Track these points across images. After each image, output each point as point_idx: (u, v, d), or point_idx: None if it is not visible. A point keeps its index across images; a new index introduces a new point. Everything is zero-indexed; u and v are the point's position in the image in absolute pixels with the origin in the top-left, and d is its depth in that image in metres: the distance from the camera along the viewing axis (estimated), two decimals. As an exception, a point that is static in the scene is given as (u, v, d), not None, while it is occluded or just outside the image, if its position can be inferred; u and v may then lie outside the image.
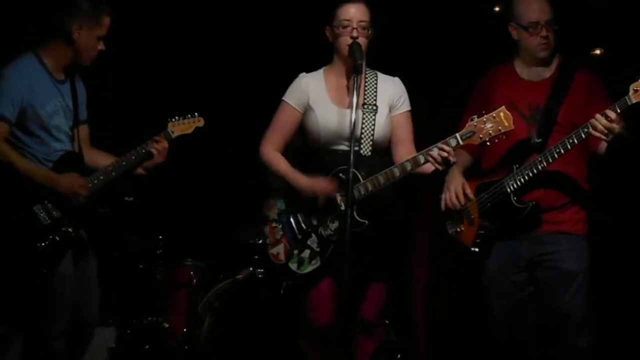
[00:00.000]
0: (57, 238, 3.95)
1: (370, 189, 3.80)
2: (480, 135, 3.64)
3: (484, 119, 3.63)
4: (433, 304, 5.56)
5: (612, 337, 4.67)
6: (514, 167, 3.87)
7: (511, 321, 3.96)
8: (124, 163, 4.12)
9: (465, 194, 3.98)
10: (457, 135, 3.67)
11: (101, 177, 4.09)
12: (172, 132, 4.22)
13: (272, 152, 4.03)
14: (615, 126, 3.59)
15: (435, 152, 3.68)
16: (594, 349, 3.87)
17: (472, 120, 3.65)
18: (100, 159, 4.21)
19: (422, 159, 3.73)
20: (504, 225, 3.91)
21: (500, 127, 3.62)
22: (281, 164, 4.01)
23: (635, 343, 4.83)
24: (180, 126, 4.25)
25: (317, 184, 3.89)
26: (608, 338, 4.49)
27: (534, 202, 3.83)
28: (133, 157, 4.14)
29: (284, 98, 4.05)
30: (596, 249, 3.93)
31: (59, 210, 3.96)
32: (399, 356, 5.25)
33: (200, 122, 4.29)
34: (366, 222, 3.80)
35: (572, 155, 3.79)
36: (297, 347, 4.11)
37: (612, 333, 4.68)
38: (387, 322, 5.10)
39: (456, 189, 3.99)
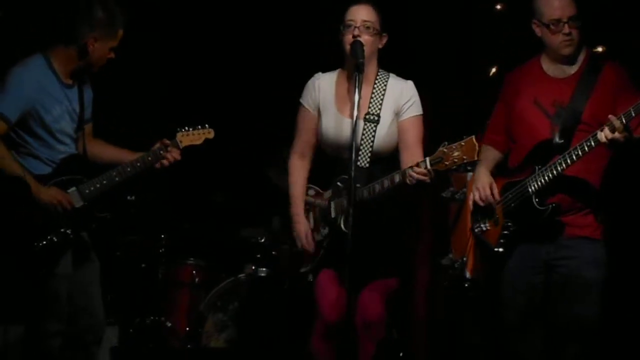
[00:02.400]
0: (55, 239, 3.94)
1: (365, 195, 3.81)
2: (446, 162, 3.63)
3: (453, 147, 3.62)
4: (434, 303, 5.55)
5: (619, 342, 4.63)
6: (536, 167, 3.80)
7: (522, 322, 3.90)
8: (128, 169, 4.10)
9: (492, 194, 3.93)
10: (427, 159, 3.67)
11: (104, 182, 4.07)
12: (181, 142, 4.20)
13: (295, 166, 4.09)
14: (619, 135, 3.51)
15: (410, 172, 3.69)
16: (601, 353, 3.84)
17: (443, 146, 3.64)
18: (99, 151, 4.20)
19: (397, 178, 3.74)
20: (525, 226, 3.85)
21: (464, 157, 3.59)
22: (294, 189, 4.07)
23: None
24: (190, 137, 4.22)
25: (303, 239, 3.98)
26: (615, 343, 4.46)
27: (554, 205, 3.76)
28: (139, 164, 4.12)
29: (300, 100, 4.08)
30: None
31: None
32: (400, 354, 5.25)
33: (211, 134, 4.26)
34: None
35: (595, 153, 3.69)
36: (300, 347, 4.14)
37: (619, 337, 4.64)
38: (389, 320, 5.10)
39: (484, 189, 3.95)
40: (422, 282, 5.53)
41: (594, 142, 3.59)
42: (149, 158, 4.13)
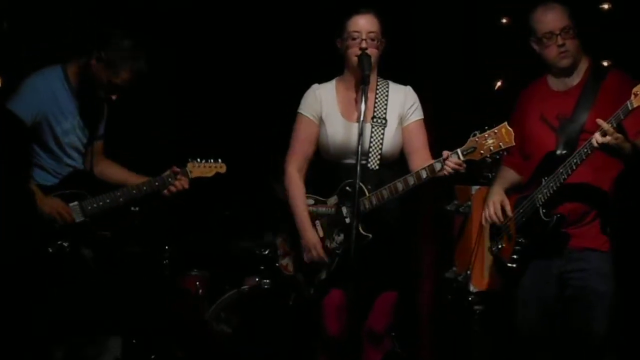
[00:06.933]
0: (50, 250, 3.95)
1: (374, 202, 3.81)
2: (481, 151, 3.64)
3: (486, 135, 3.63)
4: (438, 315, 5.54)
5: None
6: (543, 179, 3.83)
7: (535, 337, 3.92)
8: (134, 192, 4.11)
9: (504, 210, 3.95)
10: (459, 150, 3.68)
11: (107, 201, 4.07)
12: (191, 172, 4.19)
13: (294, 179, 4.00)
14: (609, 138, 3.53)
15: (438, 166, 3.69)
16: None
17: (474, 135, 3.65)
18: (108, 170, 4.20)
19: (424, 174, 3.74)
20: (535, 239, 3.87)
21: (501, 143, 3.62)
22: (297, 201, 3.99)
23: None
24: (200, 169, 4.22)
25: (313, 251, 3.92)
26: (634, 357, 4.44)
27: (558, 215, 3.79)
28: (145, 188, 4.12)
29: (299, 110, 4.05)
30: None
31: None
32: (404, 367, 5.25)
33: (223, 169, 4.26)
34: (370, 235, 3.81)
35: (605, 162, 3.74)
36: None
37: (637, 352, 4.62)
38: (392, 333, 5.09)
39: (495, 205, 3.97)
40: (426, 295, 5.53)
41: (589, 148, 3.62)
42: (156, 183, 4.13)
